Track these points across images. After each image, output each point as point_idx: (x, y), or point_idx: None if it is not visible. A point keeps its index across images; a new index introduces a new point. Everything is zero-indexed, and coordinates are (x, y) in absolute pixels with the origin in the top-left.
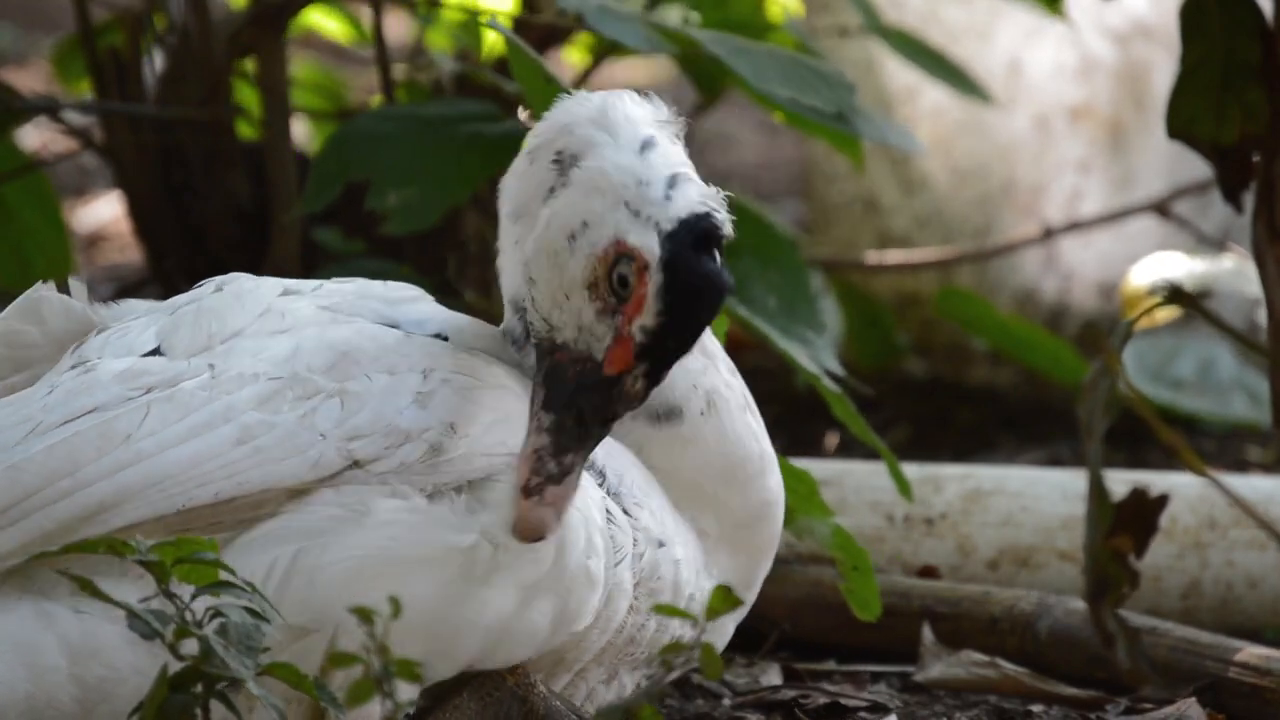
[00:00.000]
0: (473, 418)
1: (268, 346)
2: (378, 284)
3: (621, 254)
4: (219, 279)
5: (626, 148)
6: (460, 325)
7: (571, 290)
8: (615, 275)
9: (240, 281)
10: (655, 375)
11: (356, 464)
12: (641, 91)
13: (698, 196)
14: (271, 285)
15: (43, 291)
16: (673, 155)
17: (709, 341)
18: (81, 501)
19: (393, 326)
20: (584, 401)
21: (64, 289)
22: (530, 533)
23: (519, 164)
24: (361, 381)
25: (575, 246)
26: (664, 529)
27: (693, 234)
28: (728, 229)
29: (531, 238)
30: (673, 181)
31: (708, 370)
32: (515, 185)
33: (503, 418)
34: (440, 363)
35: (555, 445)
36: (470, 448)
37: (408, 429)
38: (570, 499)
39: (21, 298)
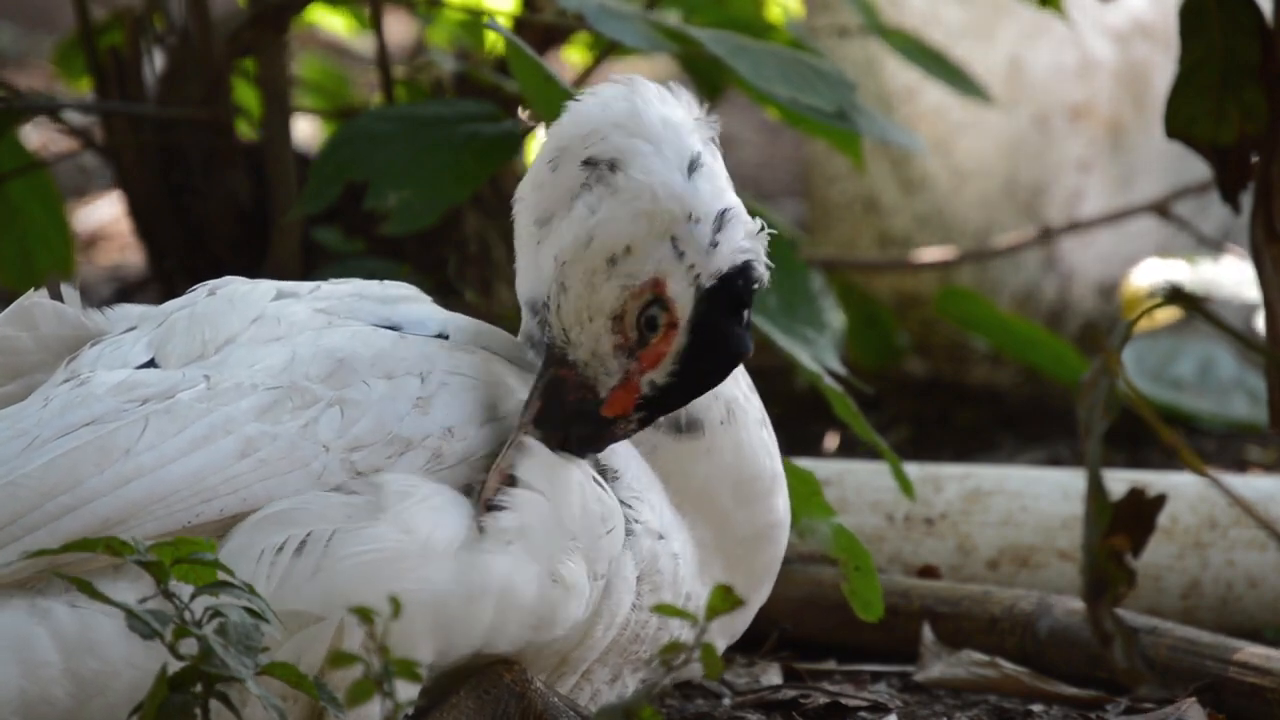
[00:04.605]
0: (471, 418)
1: (262, 356)
2: (374, 284)
3: (657, 297)
4: (212, 283)
5: (673, 163)
6: (460, 324)
7: (597, 314)
8: (645, 316)
9: (233, 285)
10: (649, 421)
11: (359, 475)
12: (661, 83)
13: (742, 241)
14: (266, 289)
15: (35, 298)
16: (719, 177)
17: None
18: (85, 518)
19: (392, 328)
20: (573, 429)
21: (57, 295)
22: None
23: (539, 172)
24: (360, 389)
25: (613, 272)
26: (662, 522)
27: (729, 294)
28: (765, 276)
29: (570, 243)
30: (721, 221)
31: (728, 382)
32: (535, 195)
33: (501, 416)
34: (436, 364)
35: None
36: (469, 450)
37: (409, 436)
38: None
39: (14, 305)
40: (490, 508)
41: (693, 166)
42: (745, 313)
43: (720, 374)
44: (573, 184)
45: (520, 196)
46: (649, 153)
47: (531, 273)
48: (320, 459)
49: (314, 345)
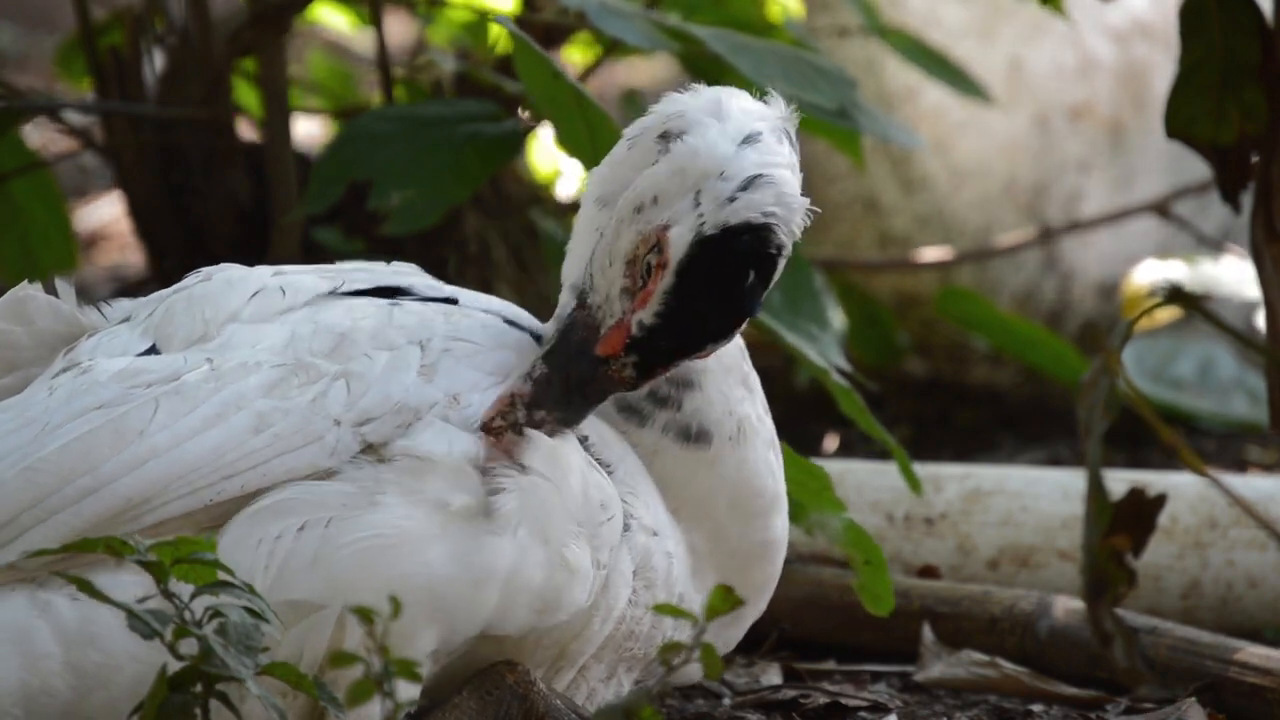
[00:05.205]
0: (475, 385)
1: (263, 335)
2: (380, 263)
3: (659, 242)
4: (207, 269)
5: (730, 135)
6: (469, 297)
7: (615, 258)
8: (647, 260)
9: (229, 269)
10: (647, 369)
11: (371, 447)
12: (754, 93)
13: (768, 203)
14: (263, 271)
15: (28, 290)
16: (772, 153)
17: (752, 377)
18: (108, 500)
19: (404, 290)
20: (574, 368)
21: (52, 290)
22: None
23: (616, 150)
24: (363, 361)
25: (635, 219)
26: (656, 520)
27: (728, 246)
28: (785, 245)
29: (619, 204)
30: (750, 183)
31: (745, 401)
32: (608, 172)
33: (503, 379)
34: (436, 330)
35: (534, 397)
36: (474, 416)
37: (416, 406)
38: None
39: (8, 295)
40: (494, 491)
41: (748, 140)
42: (750, 271)
43: (713, 326)
44: (645, 159)
45: (591, 175)
46: (711, 125)
47: (584, 257)
48: (333, 433)
49: (312, 323)
